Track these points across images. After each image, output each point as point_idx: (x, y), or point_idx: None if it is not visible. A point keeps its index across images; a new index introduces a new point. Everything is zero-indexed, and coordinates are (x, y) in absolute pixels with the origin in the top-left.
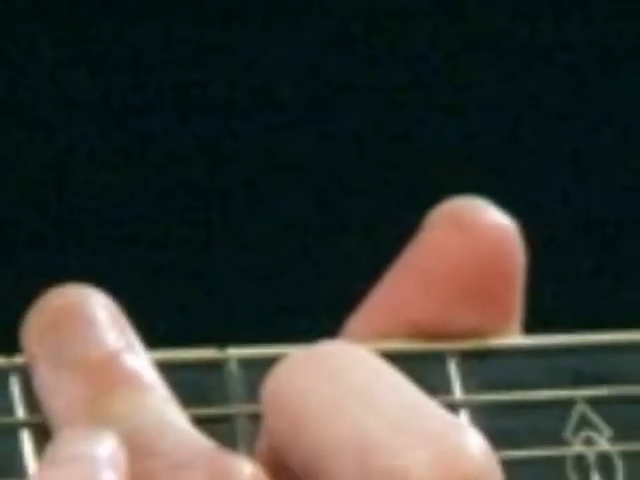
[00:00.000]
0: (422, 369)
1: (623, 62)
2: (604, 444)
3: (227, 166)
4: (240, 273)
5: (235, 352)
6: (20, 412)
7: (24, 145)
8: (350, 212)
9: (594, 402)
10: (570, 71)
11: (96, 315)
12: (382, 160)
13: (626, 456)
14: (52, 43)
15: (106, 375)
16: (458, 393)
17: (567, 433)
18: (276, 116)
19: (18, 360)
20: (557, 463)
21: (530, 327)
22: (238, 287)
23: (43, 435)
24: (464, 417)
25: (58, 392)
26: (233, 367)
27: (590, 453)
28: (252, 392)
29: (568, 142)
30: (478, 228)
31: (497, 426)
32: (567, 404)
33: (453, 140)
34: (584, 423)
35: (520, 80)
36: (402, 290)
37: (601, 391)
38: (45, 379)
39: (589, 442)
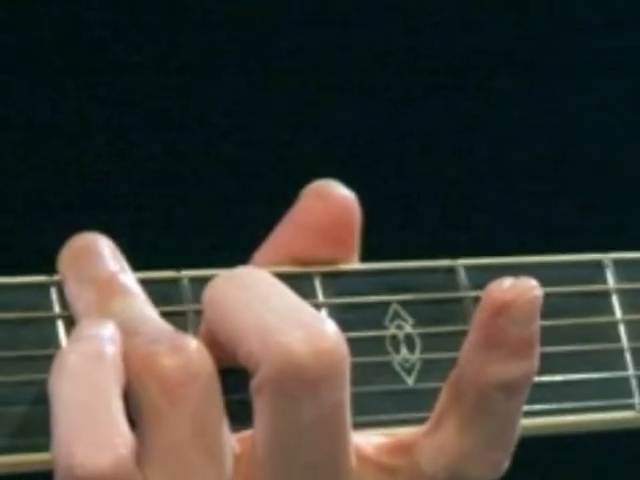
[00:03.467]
0: (299, 283)
1: (404, 104)
2: (409, 329)
3: (186, 161)
4: (190, 226)
5: (186, 273)
6: (57, 309)
7: (54, 148)
8: (258, 189)
9: (403, 303)
10: (374, 107)
11: (102, 250)
12: (277, 160)
13: (422, 336)
14: (75, 84)
15: (109, 287)
16: (320, 298)
17: (386, 322)
18: (213, 130)
19: (55, 278)
20: (380, 340)
21: (364, 258)
22: (189, 235)
23: (70, 323)
24: (324, 312)
25: (79, 298)
26: (185, 282)
27: (400, 334)
28: (197, 297)
29: (378, 149)
30: (333, 197)
31: (344, 318)
32: (386, 304)
33: (321, 149)
34: (396, 316)
35: (349, 112)
36: (286, 236)
37: (407, 296)
38: (71, 290)
39: (399, 327)
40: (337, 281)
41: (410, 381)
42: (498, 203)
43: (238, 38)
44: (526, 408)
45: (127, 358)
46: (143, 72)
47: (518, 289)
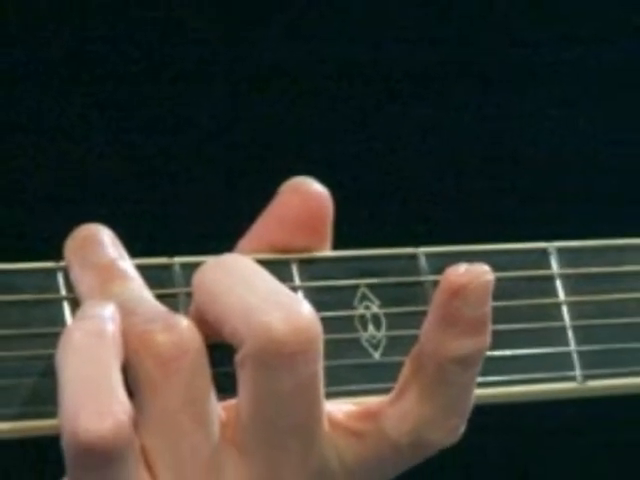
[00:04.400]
0: (278, 269)
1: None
2: (375, 309)
3: (178, 160)
4: (181, 218)
5: (178, 259)
6: (63, 292)
7: (61, 149)
8: (242, 186)
9: (370, 286)
10: (343, 112)
11: (103, 239)
12: (258, 160)
13: (387, 315)
14: (80, 93)
15: (109, 272)
16: (297, 281)
17: (355, 303)
18: (202, 133)
19: (62, 264)
20: (350, 319)
21: (336, 246)
22: (180, 226)
23: (75, 305)
24: (300, 294)
25: (83, 281)
26: (177, 268)
27: (368, 314)
28: (187, 281)
29: (348, 149)
30: (308, 192)
31: (318, 299)
32: (355, 287)
33: (297, 149)
34: (364, 298)
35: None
36: (266, 227)
37: (374, 280)
38: (76, 274)
39: (367, 308)
40: (312, 267)
41: (377, 355)
42: (454, 198)
43: (223, 52)
44: (480, 379)
45: (126, 335)
46: (140, 82)
47: (472, 273)
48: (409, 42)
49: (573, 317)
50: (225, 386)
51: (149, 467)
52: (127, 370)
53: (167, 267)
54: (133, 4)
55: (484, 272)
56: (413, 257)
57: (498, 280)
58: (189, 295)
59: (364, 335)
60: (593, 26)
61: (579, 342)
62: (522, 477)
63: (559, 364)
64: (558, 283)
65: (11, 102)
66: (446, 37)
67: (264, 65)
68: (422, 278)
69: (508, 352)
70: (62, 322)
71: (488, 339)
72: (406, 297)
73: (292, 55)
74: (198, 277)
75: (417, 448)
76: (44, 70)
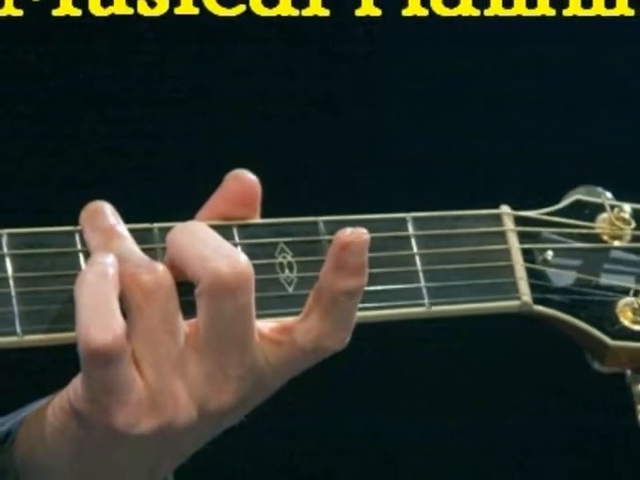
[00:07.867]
0: (223, 231)
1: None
2: (290, 258)
3: (158, 159)
4: (159, 198)
5: (157, 225)
6: (79, 246)
7: (77, 151)
8: (200, 175)
9: (286, 243)
10: (269, 128)
11: (106, 211)
12: (212, 158)
13: (298, 262)
14: (88, 112)
15: (110, 233)
16: (237, 239)
17: (276, 254)
18: (175, 140)
19: (78, 228)
20: (272, 265)
21: (263, 215)
22: (158, 203)
23: (87, 256)
24: (239, 248)
25: (93, 240)
26: (156, 231)
27: (284, 262)
28: (163, 240)
29: (273, 152)
30: (244, 179)
31: (250, 252)
32: (275, 244)
33: (238, 151)
34: (282, 251)
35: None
36: (216, 202)
37: (288, 239)
38: (87, 235)
39: (284, 257)
40: (246, 230)
41: (290, 290)
42: (343, 183)
43: (189, 84)
44: (360, 306)
45: (121, 276)
46: (130, 106)
47: (355, 234)
48: (317, 78)
49: (423, 264)
50: (188, 310)
51: (137, 366)
52: (122, 300)
53: (149, 230)
54: (129, 54)
55: (363, 233)
56: (315, 223)
57: (372, 239)
58: (164, 249)
59: (282, 276)
60: (434, 65)
61: (427, 280)
62: (380, 372)
63: (413, 295)
64: (413, 241)
65: (41, 118)
66: (338, 74)
67: (215, 94)
68: (321, 237)
69: (379, 287)
70: (78, 267)
71: (365, 279)
72: (310, 250)
73: (235, 88)
74: (170, 237)
75: (317, 352)
76: (65, 96)
